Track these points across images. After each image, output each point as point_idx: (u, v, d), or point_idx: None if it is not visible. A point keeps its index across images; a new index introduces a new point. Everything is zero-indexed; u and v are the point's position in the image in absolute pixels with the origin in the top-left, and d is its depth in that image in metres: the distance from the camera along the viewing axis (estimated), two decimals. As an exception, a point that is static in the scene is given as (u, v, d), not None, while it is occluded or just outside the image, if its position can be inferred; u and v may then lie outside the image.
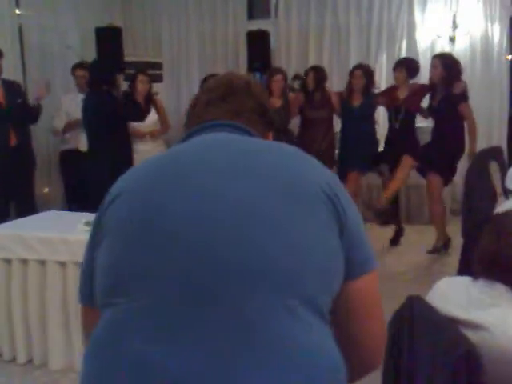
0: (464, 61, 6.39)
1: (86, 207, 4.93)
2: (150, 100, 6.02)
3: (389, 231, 6.13)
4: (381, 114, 6.67)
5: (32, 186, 5.71)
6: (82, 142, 5.92)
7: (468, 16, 6.85)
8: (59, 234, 3.52)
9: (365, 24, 7.40)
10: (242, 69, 7.92)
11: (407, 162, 5.71)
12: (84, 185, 5.83)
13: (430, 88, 5.75)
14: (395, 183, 5.77)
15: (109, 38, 6.46)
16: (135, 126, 5.94)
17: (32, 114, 5.52)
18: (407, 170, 5.77)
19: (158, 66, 7.99)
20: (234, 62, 7.97)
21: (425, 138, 5.96)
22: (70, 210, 5.69)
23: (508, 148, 6.66)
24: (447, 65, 5.49)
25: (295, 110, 6.33)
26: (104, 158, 5.35)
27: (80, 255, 3.36)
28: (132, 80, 5.98)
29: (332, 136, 6.42)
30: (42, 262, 3.51)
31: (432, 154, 5.59)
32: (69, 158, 6.21)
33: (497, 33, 6.82)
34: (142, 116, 5.79)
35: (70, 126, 6.16)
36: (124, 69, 6.17)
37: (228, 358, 1.07)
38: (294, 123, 6.56)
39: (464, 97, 5.49)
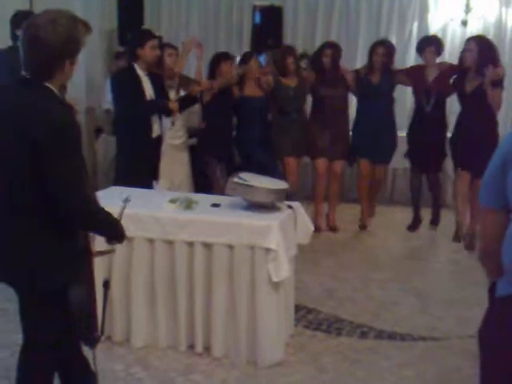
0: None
1: None
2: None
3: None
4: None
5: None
6: None
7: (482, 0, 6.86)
8: (148, 211, 3.47)
9: (375, 4, 7.36)
10: (246, 44, 7.83)
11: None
12: None
13: (459, 69, 5.47)
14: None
15: (130, 7, 6.30)
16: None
17: None
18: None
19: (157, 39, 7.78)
20: (238, 37, 7.86)
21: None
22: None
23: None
24: (484, 48, 5.21)
25: (308, 89, 6.18)
26: (121, 135, 5.20)
27: (169, 232, 3.39)
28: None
29: (347, 117, 6.25)
30: (129, 239, 3.42)
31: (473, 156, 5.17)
32: None
33: (511, 17, 6.85)
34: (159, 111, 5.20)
35: None
36: (150, 39, 5.02)
37: None
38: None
39: (496, 83, 5.18)
